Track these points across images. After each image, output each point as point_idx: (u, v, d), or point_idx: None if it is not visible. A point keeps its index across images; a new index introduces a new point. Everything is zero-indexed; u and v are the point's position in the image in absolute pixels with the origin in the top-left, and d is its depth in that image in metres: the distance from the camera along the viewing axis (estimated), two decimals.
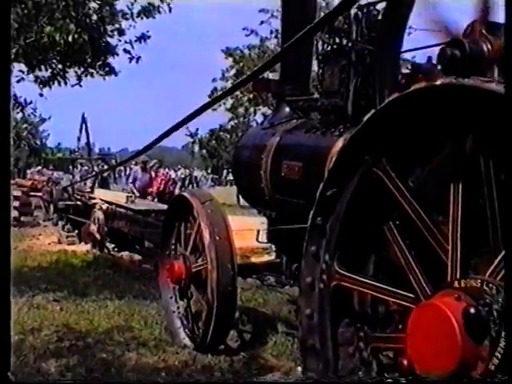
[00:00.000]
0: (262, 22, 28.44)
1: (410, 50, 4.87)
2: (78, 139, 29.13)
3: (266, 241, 6.92)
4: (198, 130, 41.65)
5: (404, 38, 4.47)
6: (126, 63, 13.11)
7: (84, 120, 28.07)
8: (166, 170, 33.85)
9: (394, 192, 3.07)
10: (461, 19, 3.55)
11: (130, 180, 20.10)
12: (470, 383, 2.40)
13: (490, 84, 2.56)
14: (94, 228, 13.27)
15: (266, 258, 8.79)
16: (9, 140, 2.53)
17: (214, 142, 41.11)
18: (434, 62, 3.99)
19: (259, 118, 29.06)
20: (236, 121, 36.00)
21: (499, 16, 3.34)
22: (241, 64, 32.12)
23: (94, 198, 14.58)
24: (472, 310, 2.53)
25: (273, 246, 7.33)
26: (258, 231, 6.74)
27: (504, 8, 2.11)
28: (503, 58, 3.17)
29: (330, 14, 4.05)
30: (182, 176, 43.72)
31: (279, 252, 6.75)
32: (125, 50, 12.85)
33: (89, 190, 16.07)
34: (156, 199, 17.67)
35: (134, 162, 22.94)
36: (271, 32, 28.18)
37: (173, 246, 7.42)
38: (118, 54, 12.87)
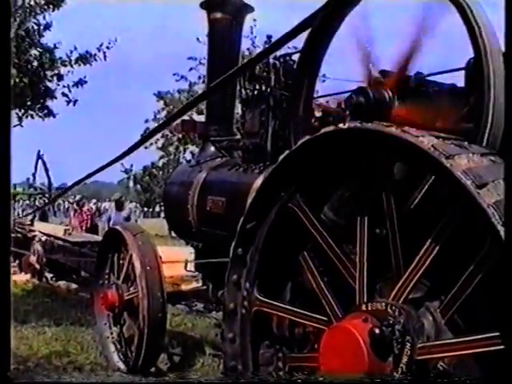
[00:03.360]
0: (191, 69, 28.49)
1: (322, 96, 4.96)
2: (33, 175, 28.44)
3: (193, 270, 6.87)
4: (132, 166, 41.33)
5: (317, 85, 4.54)
6: (64, 105, 12.99)
7: (40, 157, 27.36)
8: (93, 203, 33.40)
9: (307, 225, 3.11)
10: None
11: (104, 219, 19.48)
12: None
13: (390, 128, 2.63)
14: (33, 259, 13.04)
15: (194, 285, 8.73)
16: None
17: (147, 177, 40.77)
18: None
19: (188, 155, 28.98)
20: (167, 158, 35.80)
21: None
22: (171, 106, 32.05)
23: (34, 231, 14.28)
24: (377, 331, 2.57)
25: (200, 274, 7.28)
26: (186, 261, 6.68)
27: (504, 8, 2.17)
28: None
29: (250, 61, 4.10)
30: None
31: (205, 280, 6.72)
32: (63, 94, 12.73)
33: (29, 222, 15.74)
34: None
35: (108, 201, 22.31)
36: (199, 77, 28.16)
37: (107, 276, 7.28)
38: (56, 98, 12.74)
